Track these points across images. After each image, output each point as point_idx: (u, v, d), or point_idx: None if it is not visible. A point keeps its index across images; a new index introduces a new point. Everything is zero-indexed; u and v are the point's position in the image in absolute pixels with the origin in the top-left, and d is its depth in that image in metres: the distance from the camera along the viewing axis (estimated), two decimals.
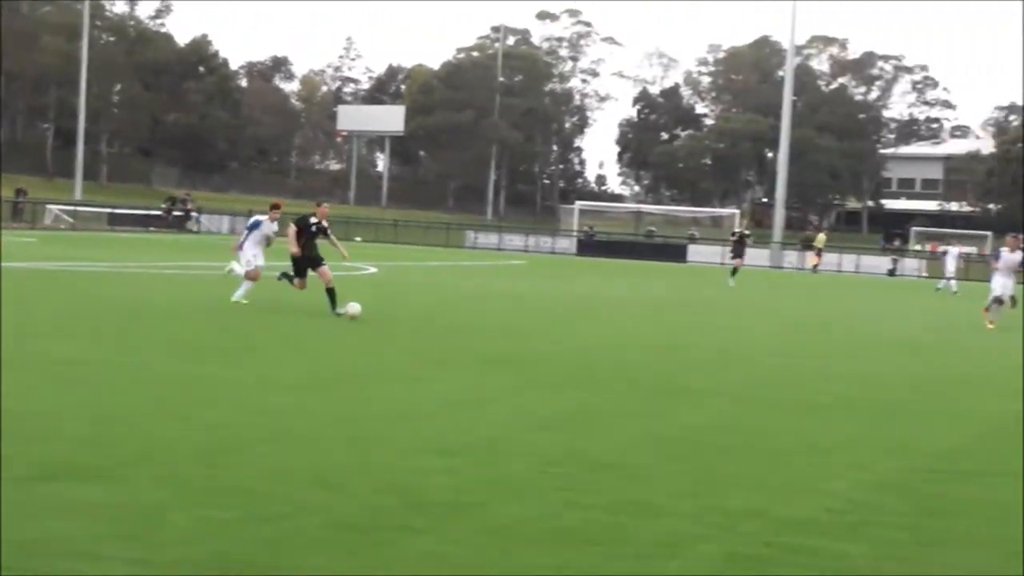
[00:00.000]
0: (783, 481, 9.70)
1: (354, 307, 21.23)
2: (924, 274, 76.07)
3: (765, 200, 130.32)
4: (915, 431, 12.67)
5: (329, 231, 23.26)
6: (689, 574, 7.05)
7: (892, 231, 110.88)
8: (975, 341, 26.26)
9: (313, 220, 22.90)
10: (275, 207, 24.39)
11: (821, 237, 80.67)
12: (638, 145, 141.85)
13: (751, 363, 18.79)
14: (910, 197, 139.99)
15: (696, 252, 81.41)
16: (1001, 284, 28.95)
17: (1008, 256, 29.19)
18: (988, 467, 10.90)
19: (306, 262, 22.71)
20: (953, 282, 50.56)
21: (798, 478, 9.86)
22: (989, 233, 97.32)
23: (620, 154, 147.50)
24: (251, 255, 23.86)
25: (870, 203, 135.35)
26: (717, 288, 44.36)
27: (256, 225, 24.11)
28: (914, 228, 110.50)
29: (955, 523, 8.59)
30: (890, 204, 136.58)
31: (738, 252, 48.17)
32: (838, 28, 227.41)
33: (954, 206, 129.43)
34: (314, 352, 17.28)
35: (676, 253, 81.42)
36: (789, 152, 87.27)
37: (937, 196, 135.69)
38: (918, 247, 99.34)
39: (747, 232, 50.46)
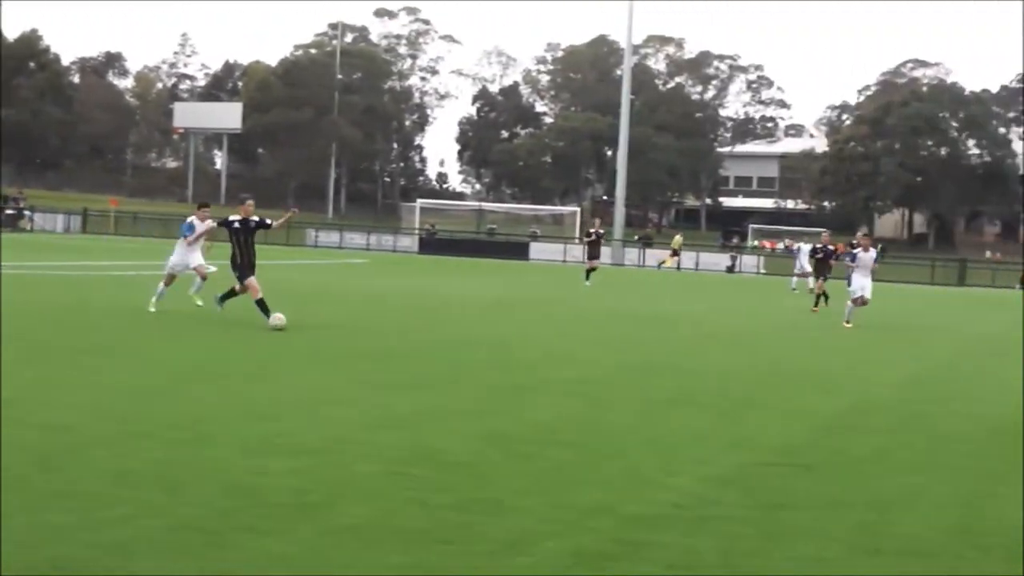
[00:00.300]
0: (629, 477, 9.77)
1: (279, 318, 20.16)
2: (762, 271, 77.35)
3: (605, 198, 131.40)
4: (757, 426, 12.84)
5: (271, 223, 21.90)
6: (537, 571, 7.04)
7: (730, 228, 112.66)
8: (817, 337, 26.73)
9: (234, 218, 21.61)
10: (204, 206, 23.58)
11: (678, 239, 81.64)
12: (478, 143, 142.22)
13: (596, 360, 18.89)
14: (747, 195, 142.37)
15: (538, 250, 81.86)
16: (861, 284, 29.19)
17: (864, 255, 29.45)
18: (827, 460, 11.07)
19: (249, 268, 21.34)
20: (794, 279, 50.76)
21: (644, 474, 9.93)
22: (824, 230, 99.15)
23: (461, 152, 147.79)
24: (198, 262, 23.31)
25: (708, 201, 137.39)
26: (561, 286, 44.60)
27: (190, 228, 23.41)
28: (751, 225, 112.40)
29: (797, 515, 8.71)
30: (728, 202, 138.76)
31: (594, 253, 47.43)
32: (675, 28, 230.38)
33: (790, 204, 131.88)
34: (159, 353, 17.00)
35: (518, 251, 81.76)
36: (628, 150, 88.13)
37: (773, 194, 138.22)
38: (756, 244, 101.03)
39: (603, 231, 50.05)
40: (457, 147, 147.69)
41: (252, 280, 21.09)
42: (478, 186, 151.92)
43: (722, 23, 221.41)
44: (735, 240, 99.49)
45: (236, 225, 21.49)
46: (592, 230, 48.12)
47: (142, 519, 7.61)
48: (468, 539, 7.60)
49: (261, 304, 20.78)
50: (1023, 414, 14.27)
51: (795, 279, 50.68)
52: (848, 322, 28.84)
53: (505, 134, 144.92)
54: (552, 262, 76.16)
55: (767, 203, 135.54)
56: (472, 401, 13.62)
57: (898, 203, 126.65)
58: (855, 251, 29.96)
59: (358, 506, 8.30)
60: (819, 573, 7.30)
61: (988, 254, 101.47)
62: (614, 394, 14.87)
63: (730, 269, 77.56)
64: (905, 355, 22.96)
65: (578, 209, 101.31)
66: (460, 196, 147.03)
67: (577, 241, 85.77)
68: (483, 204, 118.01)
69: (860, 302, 29.15)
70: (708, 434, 12.08)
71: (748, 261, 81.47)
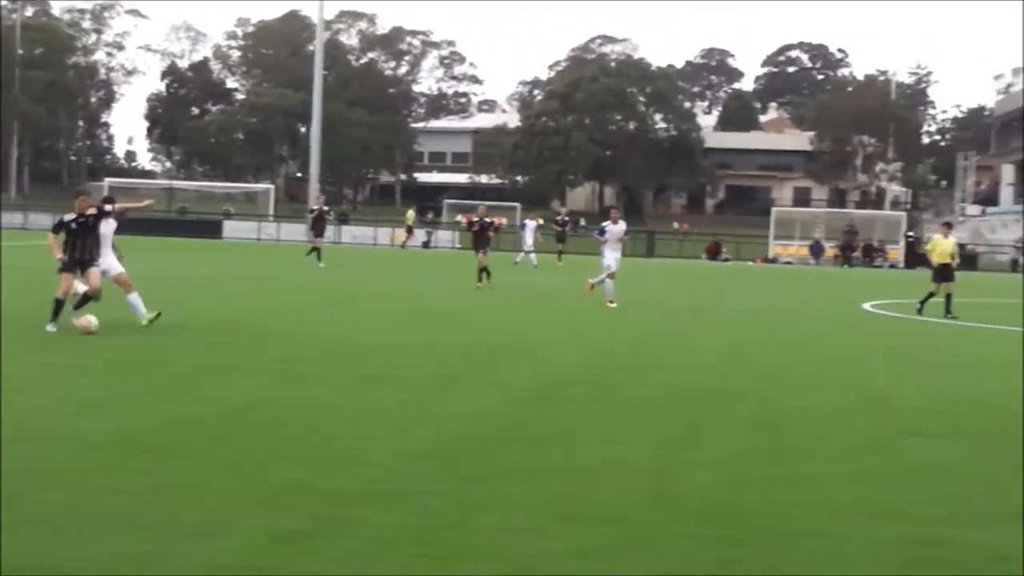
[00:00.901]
0: (326, 454, 9.71)
1: (89, 321, 18.15)
2: (458, 246, 77.97)
3: (300, 175, 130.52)
4: (456, 400, 12.94)
5: (109, 210, 19.70)
6: (234, 553, 6.93)
7: (425, 204, 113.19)
8: (514, 311, 27.07)
9: (69, 217, 19.16)
10: (84, 193, 19.98)
11: (411, 214, 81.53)
12: (168, 120, 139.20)
13: (294, 339, 18.75)
14: (441, 170, 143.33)
15: (231, 228, 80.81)
16: (614, 258, 28.35)
17: (614, 228, 28.71)
18: (524, 431, 11.22)
19: (75, 264, 18.91)
20: (533, 255, 50.78)
21: (341, 451, 9.90)
22: (517, 204, 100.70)
23: (150, 129, 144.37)
24: (106, 265, 19.73)
25: (403, 176, 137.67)
26: (255, 263, 44.12)
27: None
28: (446, 201, 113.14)
29: (494, 486, 8.81)
30: (422, 177, 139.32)
31: (318, 231, 46.17)
32: (367, 4, 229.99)
33: (484, 178, 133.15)
34: None
35: (211, 229, 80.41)
36: (321, 126, 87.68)
37: (467, 169, 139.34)
38: (459, 218, 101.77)
39: (327, 208, 48.83)
40: (146, 124, 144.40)
41: (67, 276, 18.83)
42: (168, 164, 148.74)
43: None
44: (430, 215, 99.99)
45: (74, 226, 19.15)
46: (315, 207, 47.14)
47: None
48: (164, 523, 7.45)
49: (58, 305, 18.61)
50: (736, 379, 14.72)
51: (534, 255, 50.70)
52: (612, 301, 27.50)
53: (196, 111, 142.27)
54: (246, 240, 75.41)
55: (461, 178, 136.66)
56: (166, 383, 13.34)
57: (589, 176, 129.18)
58: (604, 225, 29.08)
59: (51, 494, 8.07)
60: (516, 543, 7.37)
61: (675, 225, 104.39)
62: (312, 373, 14.78)
63: (426, 244, 77.98)
64: (600, 326, 23.43)
65: (272, 187, 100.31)
66: (150, 174, 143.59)
67: (271, 219, 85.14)
68: (174, 182, 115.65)
69: (611, 277, 28.16)
70: (407, 409, 12.11)
71: (443, 236, 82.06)
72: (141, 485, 8.39)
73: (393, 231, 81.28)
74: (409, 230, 76.71)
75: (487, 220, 35.75)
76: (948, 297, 28.62)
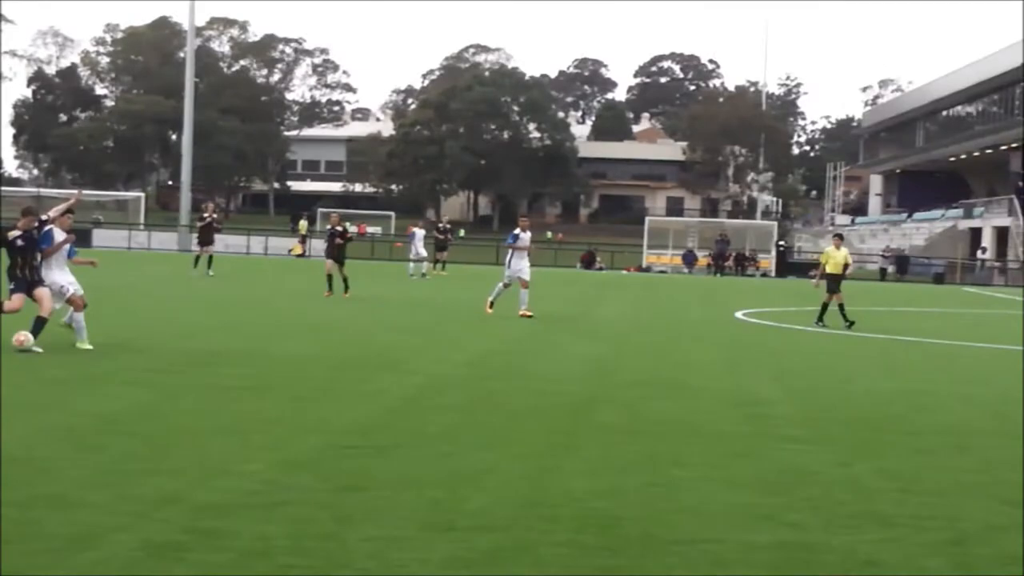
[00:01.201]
0: (200, 466, 9.59)
1: (26, 337, 17.35)
2: None
3: (171, 183, 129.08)
4: (332, 410, 12.86)
5: (46, 219, 18.54)
6: (105, 566, 6.81)
7: (299, 213, 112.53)
8: (388, 319, 27.00)
9: (15, 234, 17.85)
10: (29, 212, 18.43)
11: (303, 223, 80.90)
12: (35, 127, 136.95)
13: (164, 348, 18.51)
14: (315, 179, 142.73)
15: (102, 237, 79.71)
16: (520, 267, 28.41)
17: (524, 236, 28.85)
18: (400, 440, 11.17)
19: (25, 284, 17.91)
20: (412, 265, 50.39)
21: (215, 462, 9.77)
22: (392, 213, 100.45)
23: (16, 136, 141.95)
24: (64, 281, 18.55)
25: (276, 185, 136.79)
26: (126, 272, 43.52)
27: (48, 239, 18.43)
28: (320, 209, 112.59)
29: (370, 496, 8.75)
30: (296, 186, 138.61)
31: (206, 239, 45.06)
32: (239, 11, 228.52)
33: (358, 187, 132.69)
34: None
35: (80, 238, 78.89)
36: (193, 134, 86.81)
37: (341, 177, 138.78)
38: (336, 228, 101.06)
39: (216, 216, 48.02)
40: (12, 131, 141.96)
41: (20, 297, 17.95)
42: (36, 171, 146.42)
43: (287, 7, 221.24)
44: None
45: (20, 243, 17.96)
46: (206, 215, 46.46)
47: None
48: (30, 536, 7.32)
49: None
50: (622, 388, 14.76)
51: (412, 265, 50.33)
52: (491, 307, 28.05)
53: (64, 118, 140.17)
54: (117, 249, 74.43)
55: (335, 187, 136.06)
56: (32, 394, 13.10)
57: (464, 185, 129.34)
58: (517, 232, 29.07)
59: None
60: (390, 552, 7.34)
61: (550, 235, 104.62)
62: (184, 382, 14.61)
63: (301, 254, 77.51)
64: (476, 335, 23.43)
65: (142, 195, 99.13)
66: (17, 182, 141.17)
67: (142, 227, 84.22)
68: (42, 190, 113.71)
69: (523, 284, 28.16)
70: (282, 419, 12.01)
71: (318, 245, 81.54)
72: (8, 498, 8.21)
73: (267, 239, 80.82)
74: (303, 240, 76.30)
75: (338, 229, 35.00)
76: (824, 307, 29.01)
